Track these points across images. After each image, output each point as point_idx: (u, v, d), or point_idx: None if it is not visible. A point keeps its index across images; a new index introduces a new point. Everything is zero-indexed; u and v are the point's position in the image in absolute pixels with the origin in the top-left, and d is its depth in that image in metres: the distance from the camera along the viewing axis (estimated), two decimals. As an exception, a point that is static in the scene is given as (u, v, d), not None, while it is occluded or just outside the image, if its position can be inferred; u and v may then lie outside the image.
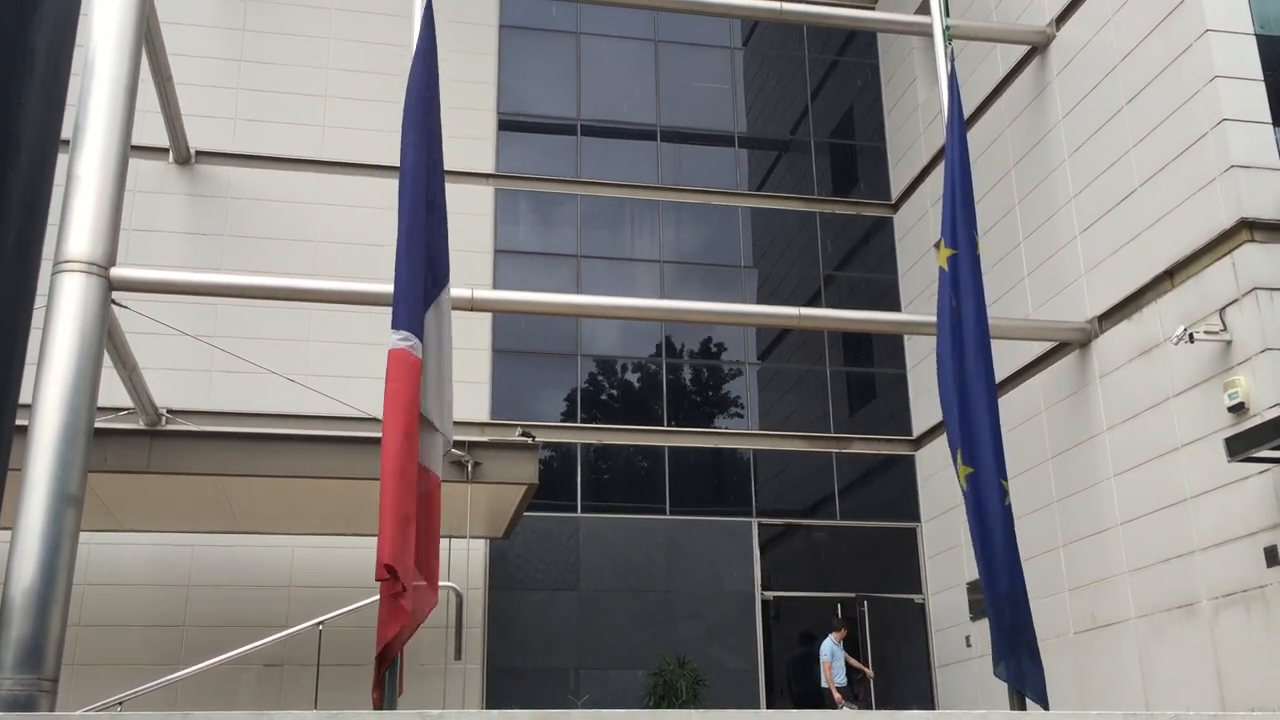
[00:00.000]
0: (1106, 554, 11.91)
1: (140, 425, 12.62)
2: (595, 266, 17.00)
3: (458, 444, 11.06)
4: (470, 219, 16.17)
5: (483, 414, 15.65)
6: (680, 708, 13.46)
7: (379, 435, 6.85)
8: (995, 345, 9.71)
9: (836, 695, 14.01)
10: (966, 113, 13.49)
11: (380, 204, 15.31)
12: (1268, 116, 10.61)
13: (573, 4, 17.84)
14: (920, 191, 16.99)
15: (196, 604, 14.11)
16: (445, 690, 13.99)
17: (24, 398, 7.62)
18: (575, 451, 16.10)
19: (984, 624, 13.73)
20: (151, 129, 14.74)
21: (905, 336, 17.03)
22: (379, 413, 7.03)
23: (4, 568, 8.06)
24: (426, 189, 7.57)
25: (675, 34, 18.42)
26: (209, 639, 13.21)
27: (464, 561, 13.64)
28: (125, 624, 13.83)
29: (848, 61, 19.10)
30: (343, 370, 14.64)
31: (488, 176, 16.91)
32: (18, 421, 3.42)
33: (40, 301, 8.64)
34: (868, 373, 17.73)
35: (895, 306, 17.31)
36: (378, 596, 6.67)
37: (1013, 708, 8.44)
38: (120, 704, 11.19)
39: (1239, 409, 10.03)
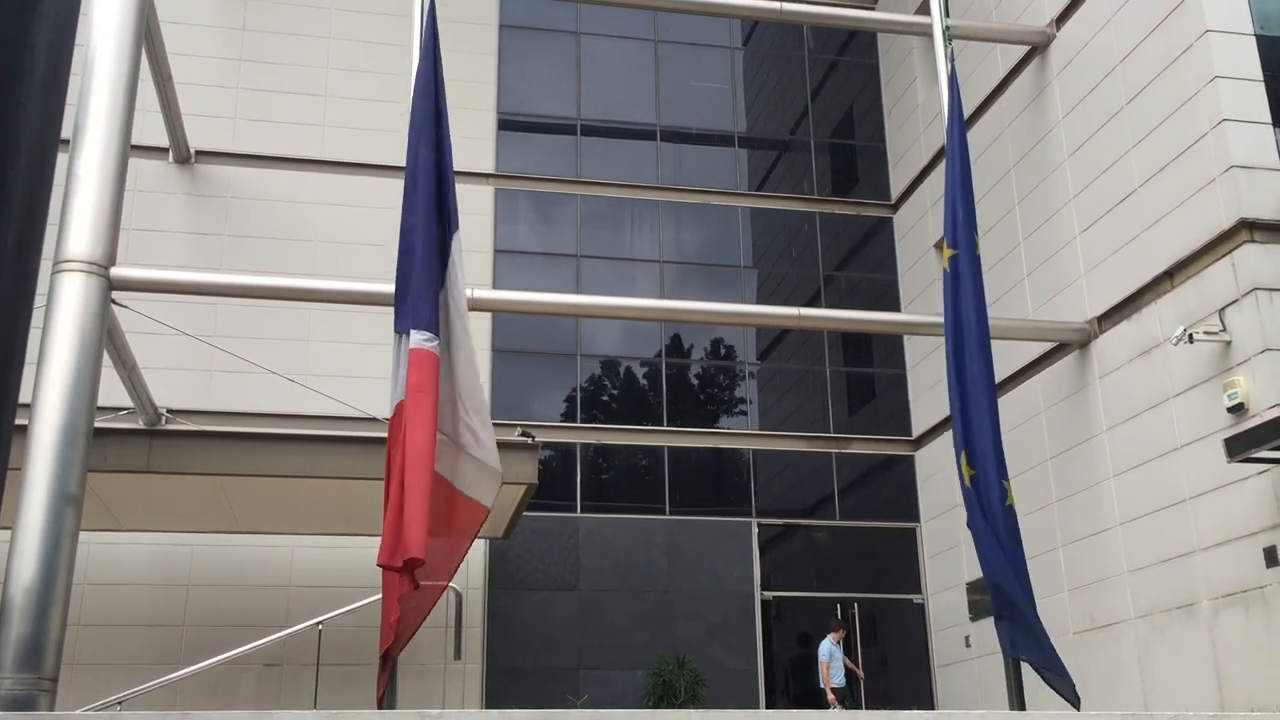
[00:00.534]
0: (1106, 554, 11.91)
1: (140, 425, 12.62)
2: (595, 266, 17.00)
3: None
4: (470, 219, 16.03)
5: (482, 414, 15.63)
6: (679, 708, 13.46)
7: (380, 435, 6.85)
8: (995, 345, 9.73)
9: (830, 696, 14.01)
10: (966, 113, 13.49)
11: (381, 203, 15.31)
12: (1268, 117, 10.61)
13: (573, 4, 17.84)
14: (920, 192, 16.99)
15: (196, 604, 14.11)
16: (445, 690, 14.00)
17: (24, 397, 7.63)
18: (575, 451, 16.10)
19: (983, 624, 13.77)
20: (151, 128, 14.74)
21: (905, 337, 17.03)
22: (379, 412, 7.03)
23: (4, 567, 8.06)
24: (437, 188, 7.55)
25: (675, 34, 18.42)
26: (209, 638, 13.21)
27: (464, 561, 13.62)
28: (125, 623, 13.83)
29: (848, 61, 19.11)
30: (343, 370, 14.64)
31: (487, 176, 16.91)
32: (18, 421, 3.42)
33: (40, 301, 8.64)
34: (867, 373, 17.74)
35: (895, 307, 17.31)
36: (378, 596, 6.68)
37: (1012, 708, 8.45)
38: (120, 703, 11.20)
39: (1238, 409, 10.03)
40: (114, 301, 9.80)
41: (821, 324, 16.22)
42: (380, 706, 6.54)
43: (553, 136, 17.82)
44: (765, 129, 18.99)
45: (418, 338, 6.98)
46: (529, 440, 12.07)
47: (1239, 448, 9.42)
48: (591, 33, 18.20)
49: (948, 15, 11.71)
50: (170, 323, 12.26)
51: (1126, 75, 12.01)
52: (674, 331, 17.09)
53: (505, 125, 17.40)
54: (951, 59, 11.14)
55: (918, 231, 17.01)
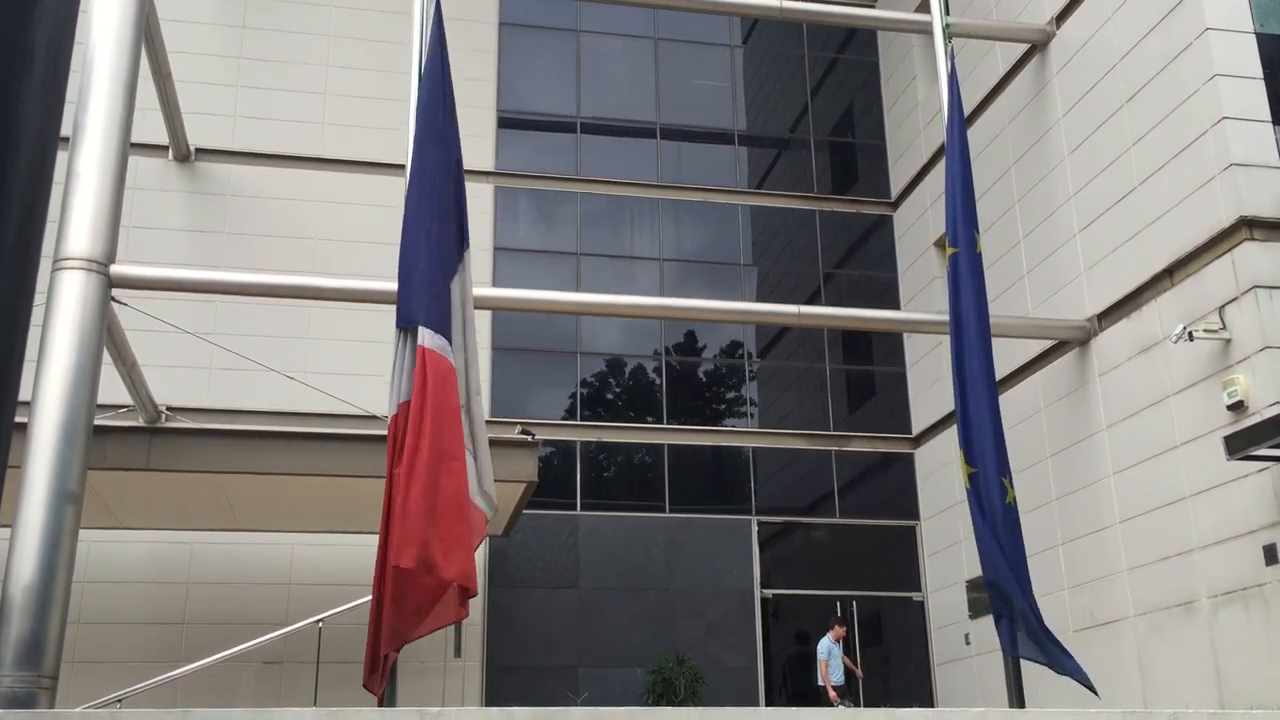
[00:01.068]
0: (1105, 552, 11.92)
1: (140, 423, 12.63)
2: (595, 264, 17.00)
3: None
4: (470, 216, 16.06)
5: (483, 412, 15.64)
6: (679, 705, 13.47)
7: (380, 433, 6.83)
8: (995, 343, 9.73)
9: (832, 694, 14.02)
10: (966, 111, 13.47)
11: (380, 201, 15.32)
12: (1267, 115, 10.61)
13: (573, 1, 17.84)
14: (920, 189, 16.98)
15: (196, 601, 14.11)
16: (445, 688, 14.00)
17: (24, 395, 7.63)
18: (575, 449, 16.11)
19: (983, 622, 13.78)
20: (151, 126, 14.74)
21: (905, 335, 17.03)
22: (379, 410, 7.02)
23: (4, 565, 8.07)
24: (451, 184, 7.53)
25: (675, 32, 18.42)
26: (209, 636, 13.22)
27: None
28: (125, 621, 13.83)
29: (848, 59, 19.10)
30: (342, 368, 14.64)
31: (488, 174, 16.91)
32: (17, 419, 3.42)
33: (40, 299, 8.65)
34: (867, 371, 17.74)
35: (895, 304, 17.31)
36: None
37: (1012, 705, 8.46)
38: (120, 701, 11.21)
39: (1238, 407, 10.03)
40: (114, 299, 9.80)
41: (821, 322, 16.23)
42: (380, 704, 6.54)
43: (553, 134, 17.82)
44: (765, 127, 18.98)
45: (429, 340, 6.83)
46: (529, 438, 12.07)
47: (1239, 445, 9.42)
48: (591, 30, 18.19)
49: (948, 13, 11.72)
50: (170, 320, 12.25)
51: (1126, 73, 12.00)
52: (674, 329, 17.09)
53: (505, 123, 17.40)
54: (951, 57, 11.14)
55: (917, 229, 17.01)
